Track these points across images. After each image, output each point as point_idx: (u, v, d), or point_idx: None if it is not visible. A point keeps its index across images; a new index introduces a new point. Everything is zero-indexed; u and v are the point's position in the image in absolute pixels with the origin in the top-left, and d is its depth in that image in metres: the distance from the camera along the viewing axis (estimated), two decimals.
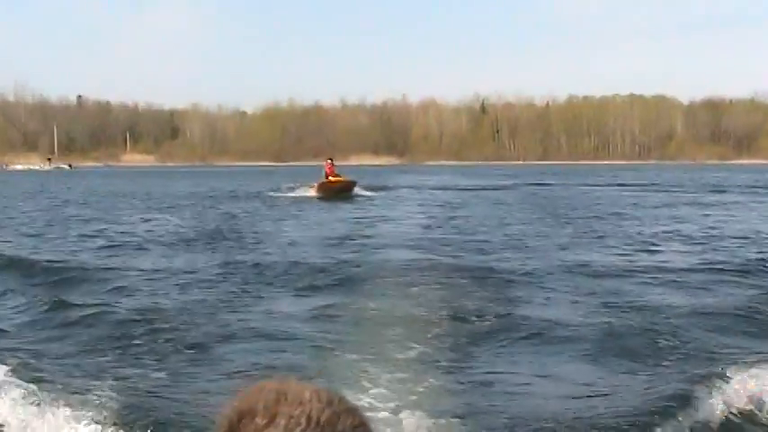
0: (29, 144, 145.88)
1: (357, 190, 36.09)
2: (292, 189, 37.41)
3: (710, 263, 14.27)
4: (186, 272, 13.49)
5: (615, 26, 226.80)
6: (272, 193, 37.91)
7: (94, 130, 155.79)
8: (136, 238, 19.02)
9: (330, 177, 34.74)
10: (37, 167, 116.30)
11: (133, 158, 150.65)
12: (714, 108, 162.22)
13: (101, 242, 18.46)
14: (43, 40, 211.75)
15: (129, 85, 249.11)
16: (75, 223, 24.00)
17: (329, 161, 36.52)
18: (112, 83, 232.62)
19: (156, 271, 13.63)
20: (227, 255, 15.57)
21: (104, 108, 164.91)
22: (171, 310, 10.23)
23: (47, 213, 28.18)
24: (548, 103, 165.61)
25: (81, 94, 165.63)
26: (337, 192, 33.83)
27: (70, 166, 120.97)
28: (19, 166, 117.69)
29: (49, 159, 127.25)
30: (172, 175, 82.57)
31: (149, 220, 25.08)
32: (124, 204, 33.95)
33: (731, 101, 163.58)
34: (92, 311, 10.00)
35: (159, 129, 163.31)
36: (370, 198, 35.66)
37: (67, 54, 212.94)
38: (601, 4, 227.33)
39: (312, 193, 34.82)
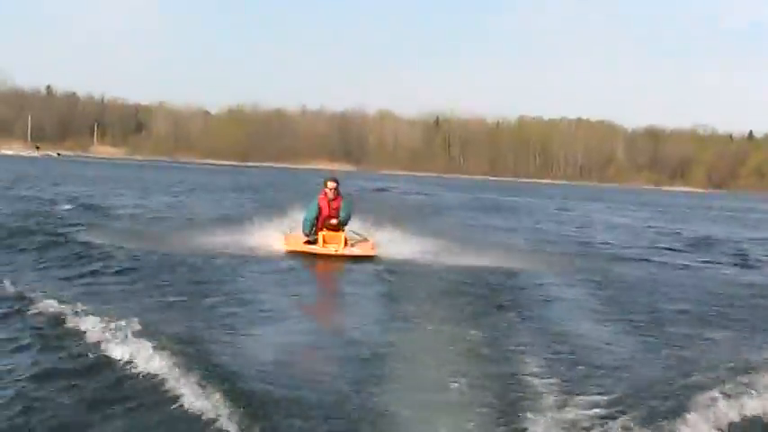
0: (2, 131, 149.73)
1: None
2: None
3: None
4: None
5: (569, 49, 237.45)
6: None
7: (63, 120, 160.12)
8: None
9: (331, 221, 17.27)
10: (25, 154, 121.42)
11: (103, 150, 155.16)
12: (654, 137, 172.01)
13: None
14: (12, 26, 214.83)
15: (97, 76, 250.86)
16: None
17: (331, 184, 17.53)
18: (81, 73, 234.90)
19: None
20: None
21: (72, 99, 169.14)
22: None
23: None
24: (498, 122, 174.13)
25: (50, 83, 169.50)
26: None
27: (58, 154, 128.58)
28: (10, 152, 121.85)
29: (38, 147, 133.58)
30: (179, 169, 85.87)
31: None
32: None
33: (671, 130, 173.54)
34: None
35: (125, 122, 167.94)
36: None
37: (37, 41, 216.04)
38: (559, 29, 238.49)
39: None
